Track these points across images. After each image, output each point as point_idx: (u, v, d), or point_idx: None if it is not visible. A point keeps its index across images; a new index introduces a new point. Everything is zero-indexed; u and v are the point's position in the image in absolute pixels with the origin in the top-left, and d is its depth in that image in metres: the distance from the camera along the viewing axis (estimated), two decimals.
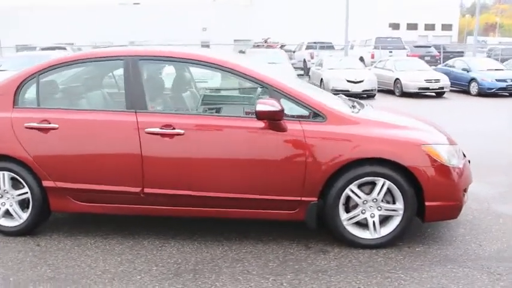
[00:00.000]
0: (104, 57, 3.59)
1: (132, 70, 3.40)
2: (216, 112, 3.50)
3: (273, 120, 3.14)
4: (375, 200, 3.23)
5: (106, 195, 3.42)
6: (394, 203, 3.23)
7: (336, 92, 13.70)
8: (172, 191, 3.33)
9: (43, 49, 18.66)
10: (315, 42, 21.78)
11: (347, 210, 3.28)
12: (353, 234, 3.28)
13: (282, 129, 3.17)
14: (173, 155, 3.30)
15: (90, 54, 3.68)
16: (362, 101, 4.10)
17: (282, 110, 3.10)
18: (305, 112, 3.24)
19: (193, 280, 2.92)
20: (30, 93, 3.56)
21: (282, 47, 21.70)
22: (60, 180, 3.45)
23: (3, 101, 3.54)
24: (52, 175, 3.45)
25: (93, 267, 3.11)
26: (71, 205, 3.51)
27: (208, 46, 28.01)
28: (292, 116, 3.24)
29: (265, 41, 24.14)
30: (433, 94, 14.44)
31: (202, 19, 35.59)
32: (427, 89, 14.14)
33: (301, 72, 20.32)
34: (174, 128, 3.26)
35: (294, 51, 22.99)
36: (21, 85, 3.55)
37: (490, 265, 3.06)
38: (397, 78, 14.47)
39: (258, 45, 22.28)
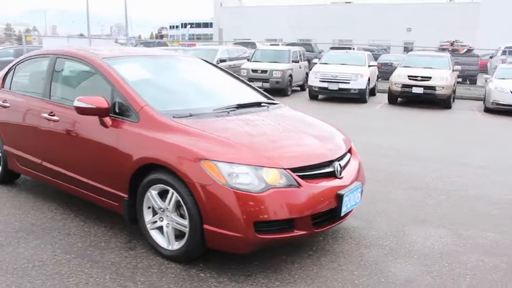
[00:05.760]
0: (43, 54, 4.47)
1: (51, 66, 4.18)
2: None
3: (98, 116, 3.43)
4: (168, 210, 3.16)
5: (31, 163, 4.31)
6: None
7: (498, 106, 11.49)
8: (56, 167, 3.99)
9: (235, 43, 21.24)
10: None
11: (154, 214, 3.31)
12: (153, 239, 3.29)
13: (104, 125, 3.43)
14: (53, 137, 3.95)
15: (39, 52, 4.62)
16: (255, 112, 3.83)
17: (102, 108, 3.36)
18: (129, 112, 3.39)
19: (20, 237, 3.55)
20: (8, 79, 4.73)
21: (468, 51, 18.75)
22: (10, 145, 4.54)
23: None
24: (5, 141, 4.57)
25: None
26: (17, 167, 4.54)
27: (411, 48, 26.37)
28: (121, 114, 3.43)
29: (451, 44, 21.22)
30: None
31: (407, 19, 33.45)
32: None
33: None
34: (54, 115, 3.91)
35: (491, 57, 19.46)
36: (7, 73, 4.77)
37: None
38: None
39: (442, 48, 19.87)
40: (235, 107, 3.73)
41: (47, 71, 4.20)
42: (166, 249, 3.22)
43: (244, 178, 2.88)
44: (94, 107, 3.36)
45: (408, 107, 12.81)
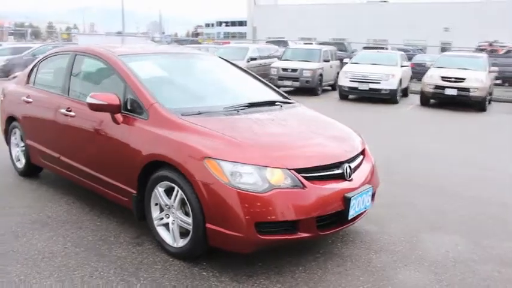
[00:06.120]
0: (64, 52, 4.59)
1: (70, 63, 4.29)
2: None
3: (109, 113, 3.48)
4: (173, 207, 3.17)
5: (50, 157, 4.44)
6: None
7: None
8: (72, 162, 4.09)
9: (267, 42, 21.19)
10: None
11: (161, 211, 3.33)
12: (160, 236, 3.32)
13: (115, 122, 3.49)
14: (70, 132, 4.05)
15: (60, 49, 4.74)
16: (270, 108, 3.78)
17: (113, 105, 3.41)
18: (139, 109, 3.43)
19: (35, 229, 3.67)
20: (32, 75, 4.90)
21: (509, 51, 17.95)
22: (32, 140, 4.69)
23: (22, 80, 5.00)
24: (28, 135, 4.74)
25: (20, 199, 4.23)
26: (39, 161, 4.69)
27: (449, 48, 25.54)
28: (132, 111, 3.47)
29: (490, 44, 20.35)
30: None
31: (445, 19, 32.29)
32: None
33: None
34: (71, 111, 4.01)
35: None
36: (32, 69, 4.94)
37: None
38: None
39: (480, 49, 19.11)
40: (247, 106, 3.71)
41: (66, 67, 4.32)
42: (171, 246, 3.24)
43: (247, 178, 2.86)
44: (105, 103, 3.42)
45: (440, 109, 12.40)
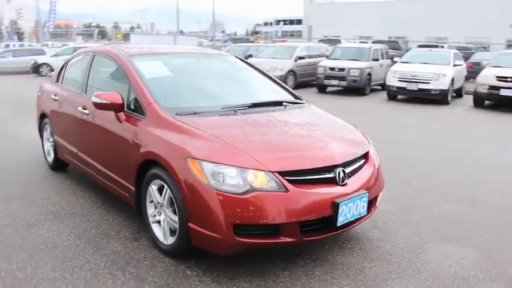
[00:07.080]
0: (86, 52, 4.83)
1: (89, 63, 4.51)
2: None
3: (113, 111, 3.62)
4: (164, 205, 3.24)
5: (71, 153, 4.70)
6: None
7: None
8: (87, 158, 4.31)
9: (320, 41, 20.88)
10: None
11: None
12: (153, 233, 3.40)
13: (119, 120, 3.62)
14: (86, 129, 4.27)
15: (84, 50, 4.99)
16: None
17: (116, 104, 3.56)
18: (140, 109, 3.52)
19: (47, 220, 3.90)
20: (61, 74, 5.20)
21: None
22: (58, 136, 4.99)
23: (54, 79, 5.32)
24: (56, 131, 5.04)
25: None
26: (63, 156, 4.97)
27: None
28: (135, 110, 3.57)
29: None
30: None
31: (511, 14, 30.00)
32: None
33: None
34: (85, 109, 4.21)
35: None
36: (62, 68, 5.24)
37: None
38: None
39: None
40: (248, 106, 3.69)
41: (86, 67, 4.55)
42: (162, 243, 3.31)
43: (227, 179, 2.85)
44: (108, 102, 3.56)
45: (495, 111, 11.62)
